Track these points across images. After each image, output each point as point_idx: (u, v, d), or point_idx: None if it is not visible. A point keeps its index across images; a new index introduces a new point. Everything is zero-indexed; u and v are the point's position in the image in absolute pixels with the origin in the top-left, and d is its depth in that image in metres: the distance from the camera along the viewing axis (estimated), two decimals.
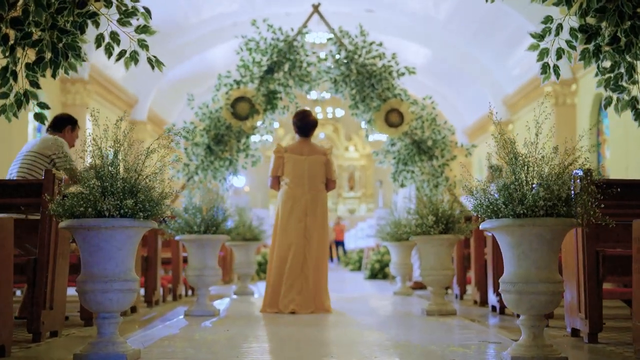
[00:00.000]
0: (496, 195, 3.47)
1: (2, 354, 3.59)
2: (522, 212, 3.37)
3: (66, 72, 3.45)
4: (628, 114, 3.70)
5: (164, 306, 7.16)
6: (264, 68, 9.14)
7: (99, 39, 3.48)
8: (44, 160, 5.44)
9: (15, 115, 3.45)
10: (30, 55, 3.41)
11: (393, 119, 9.18)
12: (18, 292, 7.19)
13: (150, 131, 18.60)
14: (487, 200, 3.49)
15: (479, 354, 3.95)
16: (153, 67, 3.55)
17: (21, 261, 4.14)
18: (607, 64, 3.52)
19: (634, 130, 12.36)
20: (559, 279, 3.47)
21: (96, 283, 3.45)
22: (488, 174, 9.32)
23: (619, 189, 3.81)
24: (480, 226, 3.59)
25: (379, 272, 12.72)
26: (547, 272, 3.43)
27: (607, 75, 3.54)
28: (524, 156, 3.47)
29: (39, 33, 3.30)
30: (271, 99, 9.14)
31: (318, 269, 6.52)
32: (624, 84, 3.50)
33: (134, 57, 3.52)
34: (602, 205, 3.44)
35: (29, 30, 3.27)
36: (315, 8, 9.90)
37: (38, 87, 3.43)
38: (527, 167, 3.45)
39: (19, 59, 3.34)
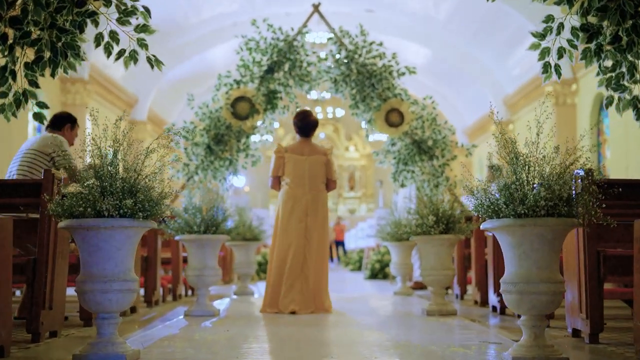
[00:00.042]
0: (497, 195, 3.46)
1: (1, 355, 3.57)
2: (523, 212, 3.36)
3: (65, 72, 3.44)
4: (628, 113, 3.68)
5: (164, 306, 7.14)
6: (264, 68, 9.13)
7: (98, 38, 3.47)
8: (44, 159, 5.43)
9: (14, 114, 3.44)
10: (29, 54, 3.39)
11: (393, 118, 9.16)
12: (17, 292, 7.18)
13: (150, 131, 18.59)
14: (488, 200, 3.48)
15: (479, 354, 3.94)
16: (152, 67, 3.54)
17: (20, 261, 4.13)
18: (609, 63, 3.50)
19: (634, 130, 12.40)
20: (560, 279, 3.46)
21: (95, 283, 3.43)
22: (488, 173, 9.33)
23: (620, 189, 3.79)
24: (481, 226, 3.58)
25: (379, 272, 12.71)
26: (548, 272, 3.41)
27: (608, 75, 3.52)
28: (525, 156, 3.45)
29: (38, 32, 3.29)
30: (271, 99, 9.12)
31: (318, 269, 6.52)
32: (625, 83, 3.48)
33: (133, 57, 3.51)
34: (604, 205, 3.43)
35: (28, 29, 3.25)
36: (316, 8, 9.89)
37: (37, 86, 3.42)
38: (528, 167, 3.44)
39: (17, 58, 3.33)
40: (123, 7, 3.40)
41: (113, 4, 3.39)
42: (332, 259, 22.24)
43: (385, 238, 8.98)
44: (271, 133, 9.65)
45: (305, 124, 6.79)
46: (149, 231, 6.01)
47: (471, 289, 8.08)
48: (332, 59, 9.33)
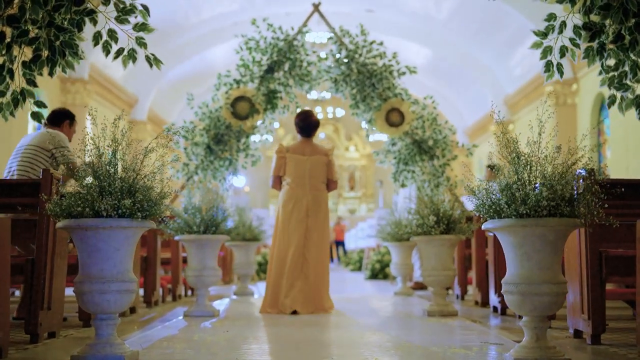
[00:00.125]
0: (498, 195, 3.43)
1: None
2: (524, 212, 3.33)
3: (64, 71, 3.41)
4: (629, 113, 3.66)
5: (164, 307, 7.12)
6: (264, 67, 9.11)
7: (96, 37, 3.44)
8: (44, 155, 5.41)
9: (12, 114, 3.41)
10: (27, 53, 3.37)
11: (394, 118, 9.14)
12: (17, 293, 7.15)
13: (150, 131, 18.57)
14: (489, 200, 3.45)
15: (480, 355, 3.91)
16: (151, 65, 3.51)
17: (19, 261, 4.10)
18: (611, 62, 3.48)
19: (635, 130, 12.38)
20: (562, 280, 3.43)
21: (94, 284, 3.41)
22: (487, 172, 9.31)
23: (623, 189, 3.77)
24: (482, 226, 3.55)
25: (380, 273, 12.69)
26: (550, 273, 3.39)
27: (611, 74, 3.49)
28: (526, 155, 3.43)
29: (36, 31, 3.26)
30: (271, 99, 9.10)
31: (319, 269, 6.50)
32: (628, 82, 3.45)
33: (132, 55, 3.48)
34: (606, 206, 3.40)
35: (26, 27, 3.23)
36: (316, 7, 9.86)
37: (35, 85, 3.39)
38: (530, 167, 3.41)
39: (15, 57, 3.30)
40: (122, 6, 3.38)
41: (112, 3, 3.37)
42: (332, 259, 22.22)
43: (386, 238, 8.95)
44: (271, 133, 9.63)
45: (307, 124, 6.77)
46: (149, 231, 5.99)
47: (472, 290, 8.06)
48: (333, 58, 9.30)
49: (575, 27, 3.44)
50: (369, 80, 9.13)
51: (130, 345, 3.65)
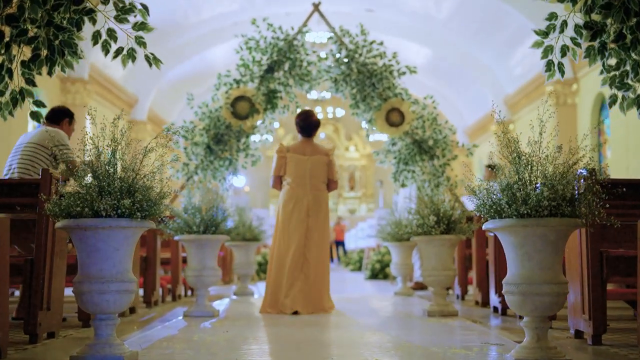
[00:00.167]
0: (499, 195, 3.42)
1: None
2: (525, 212, 3.32)
3: (63, 70, 3.40)
4: (630, 112, 3.64)
5: (163, 307, 7.11)
6: (264, 67, 9.09)
7: (95, 36, 3.43)
8: (45, 152, 5.41)
9: (10, 113, 3.40)
10: (26, 52, 3.36)
11: (394, 118, 9.12)
12: (17, 293, 7.13)
13: (150, 131, 18.57)
14: (490, 200, 3.44)
15: (481, 356, 3.90)
16: (151, 65, 3.49)
17: (18, 261, 4.08)
18: (613, 61, 3.46)
19: (635, 130, 12.37)
20: (563, 280, 3.42)
21: (93, 284, 3.39)
22: (485, 172, 9.29)
23: (624, 189, 3.75)
24: (483, 226, 3.54)
25: (380, 273, 12.67)
26: (552, 273, 3.37)
27: (612, 73, 3.48)
28: (527, 155, 3.41)
29: (35, 30, 3.25)
30: (271, 98, 9.08)
31: (319, 269, 6.49)
32: (629, 81, 3.44)
33: (131, 55, 3.47)
34: (607, 206, 3.39)
35: (25, 27, 3.22)
36: (316, 7, 9.85)
37: (34, 85, 3.37)
38: (531, 167, 3.40)
39: (14, 56, 3.29)
40: (121, 5, 3.36)
41: (111, 2, 3.35)
42: (332, 259, 22.20)
43: (386, 238, 8.94)
44: (271, 133, 9.62)
45: (308, 124, 6.77)
46: (149, 231, 5.98)
47: (472, 290, 8.04)
48: (333, 58, 9.29)
49: (577, 26, 3.43)
50: (369, 80, 9.12)
51: (129, 346, 3.64)
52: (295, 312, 6.21)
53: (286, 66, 9.11)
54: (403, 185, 9.37)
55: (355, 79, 9.13)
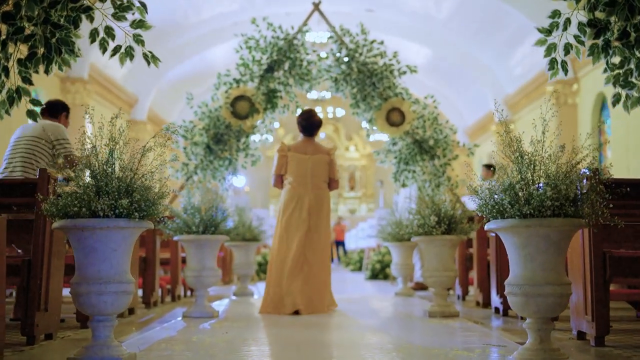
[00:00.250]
0: (501, 195, 3.38)
1: None
2: (528, 212, 3.28)
3: (60, 68, 3.36)
4: (632, 112, 3.60)
5: (163, 307, 7.07)
6: (264, 67, 9.06)
7: (93, 34, 3.39)
8: (46, 146, 5.38)
9: (7, 112, 3.36)
10: (23, 50, 3.32)
11: (394, 118, 9.09)
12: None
13: (150, 131, 18.54)
14: (492, 200, 3.40)
15: (483, 357, 3.86)
16: (149, 63, 3.45)
17: (14, 262, 4.05)
18: (616, 59, 3.42)
19: (635, 130, 12.34)
20: (566, 281, 3.38)
21: (91, 285, 3.35)
22: (483, 172, 9.26)
23: (628, 189, 3.72)
24: (485, 226, 3.50)
25: (380, 273, 12.64)
26: (554, 274, 3.33)
27: (616, 72, 3.44)
28: (530, 155, 3.37)
29: (32, 28, 3.21)
30: (271, 98, 9.05)
31: (320, 268, 6.46)
32: (633, 80, 3.40)
33: (129, 53, 3.43)
34: (611, 206, 3.35)
35: (21, 24, 3.18)
36: (316, 6, 9.81)
37: (30, 83, 3.33)
38: (534, 166, 3.36)
39: (11, 54, 3.25)
40: (119, 3, 3.32)
41: None
42: (332, 259, 22.15)
43: (386, 238, 8.90)
44: (271, 132, 9.58)
45: (310, 123, 6.75)
46: (148, 231, 5.94)
47: (473, 290, 8.01)
48: (333, 57, 9.25)
49: (580, 24, 3.39)
50: (369, 80, 9.08)
51: (128, 347, 3.60)
52: (296, 312, 6.17)
53: (286, 65, 9.08)
54: (404, 185, 9.33)
55: (356, 78, 9.09)
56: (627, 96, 3.46)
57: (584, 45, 3.47)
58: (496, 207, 3.38)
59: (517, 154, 3.40)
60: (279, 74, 9.09)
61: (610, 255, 4.09)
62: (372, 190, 28.33)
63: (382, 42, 9.28)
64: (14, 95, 3.32)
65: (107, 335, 3.41)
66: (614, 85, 3.47)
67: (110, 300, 3.36)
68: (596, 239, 4.08)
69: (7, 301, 4.92)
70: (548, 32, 3.45)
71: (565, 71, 3.52)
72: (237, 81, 9.03)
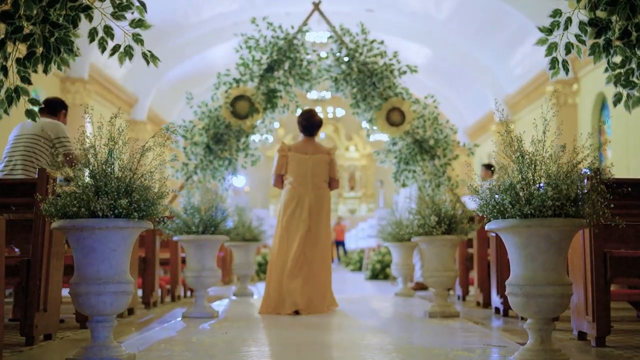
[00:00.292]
0: (502, 195, 3.36)
1: None
2: (529, 212, 3.26)
3: (59, 68, 3.34)
4: (633, 111, 3.58)
5: (162, 307, 7.05)
6: (264, 66, 9.04)
7: (92, 34, 3.37)
8: (46, 144, 5.37)
9: (6, 112, 3.34)
10: (21, 50, 3.30)
11: (394, 117, 9.07)
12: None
13: (150, 131, 18.53)
14: (493, 200, 3.38)
15: (483, 358, 3.84)
16: (148, 63, 3.44)
17: (13, 262, 4.03)
18: (618, 59, 3.41)
19: (635, 130, 12.33)
20: (567, 281, 3.37)
21: (90, 285, 3.34)
22: (482, 171, 9.24)
23: (629, 189, 3.70)
24: (486, 227, 3.49)
25: (380, 273, 12.62)
26: (555, 274, 3.32)
27: (617, 71, 3.42)
28: (531, 154, 3.36)
29: (30, 27, 3.19)
30: (271, 98, 9.03)
31: (320, 268, 6.45)
32: (635, 79, 3.38)
33: (128, 52, 3.41)
34: (612, 206, 3.34)
35: (20, 24, 3.16)
36: (316, 6, 9.79)
37: (29, 82, 3.32)
38: (535, 166, 3.34)
39: (9, 53, 3.24)
40: (118, 2, 3.31)
41: None
42: (332, 259, 22.13)
43: (386, 238, 8.89)
44: (271, 132, 9.57)
45: (310, 123, 6.74)
46: (147, 231, 5.92)
47: (473, 290, 7.99)
48: (333, 57, 9.24)
49: (581, 23, 3.37)
50: (369, 80, 9.07)
51: (127, 348, 3.59)
52: (296, 312, 6.16)
53: (286, 65, 9.07)
54: (404, 185, 9.32)
55: (356, 78, 9.08)
56: (628, 96, 3.45)
57: (585, 45, 3.46)
58: (497, 207, 3.37)
59: (518, 153, 3.38)
60: (279, 74, 9.08)
61: (611, 256, 4.08)
62: (372, 190, 28.32)
63: (382, 42, 9.27)
64: (13, 94, 3.30)
65: (107, 336, 3.40)
66: (615, 84, 3.45)
67: (110, 300, 3.35)
68: (597, 239, 4.07)
69: (6, 301, 4.91)
70: (549, 31, 3.44)
71: (567, 70, 3.51)
72: (237, 81, 9.01)
